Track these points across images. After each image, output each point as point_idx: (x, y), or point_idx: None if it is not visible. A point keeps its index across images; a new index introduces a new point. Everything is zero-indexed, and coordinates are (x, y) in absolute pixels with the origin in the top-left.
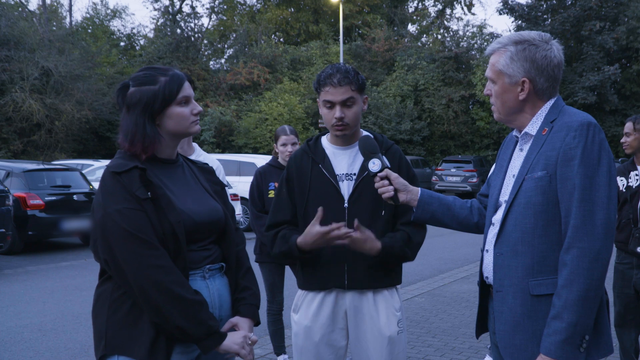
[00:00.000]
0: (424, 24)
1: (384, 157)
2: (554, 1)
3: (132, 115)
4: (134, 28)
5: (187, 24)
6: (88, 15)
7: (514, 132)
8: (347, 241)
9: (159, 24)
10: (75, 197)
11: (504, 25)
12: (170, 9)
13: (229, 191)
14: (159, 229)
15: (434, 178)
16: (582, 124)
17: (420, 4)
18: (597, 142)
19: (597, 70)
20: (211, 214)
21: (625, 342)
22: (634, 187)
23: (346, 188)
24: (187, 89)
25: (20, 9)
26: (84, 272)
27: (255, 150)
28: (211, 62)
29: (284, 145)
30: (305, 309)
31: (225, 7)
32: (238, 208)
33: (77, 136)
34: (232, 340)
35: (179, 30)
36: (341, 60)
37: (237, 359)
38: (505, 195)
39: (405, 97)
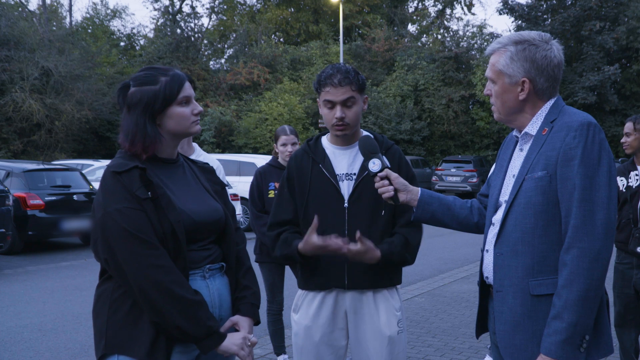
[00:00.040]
0: (424, 24)
1: (384, 157)
2: (554, 1)
3: (133, 115)
4: (134, 28)
5: (187, 24)
6: (88, 15)
7: (514, 132)
8: (347, 252)
9: (159, 24)
10: (75, 197)
11: (504, 25)
12: (170, 9)
13: (229, 191)
14: (159, 228)
15: (434, 178)
16: (582, 124)
17: (420, 4)
18: (597, 142)
19: (597, 70)
20: (211, 214)
21: (625, 342)
22: (634, 187)
23: (346, 188)
24: (187, 89)
25: (20, 9)
26: (84, 272)
27: (255, 150)
28: (211, 62)
29: (284, 145)
30: (305, 309)
31: (225, 7)
32: (238, 208)
33: (77, 136)
34: (232, 341)
35: (179, 30)
36: (341, 60)
37: None
38: (505, 195)
39: (405, 97)
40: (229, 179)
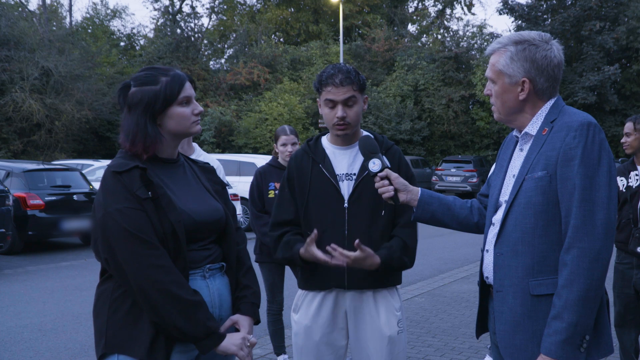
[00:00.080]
0: (424, 24)
1: (384, 157)
2: (554, 1)
3: (134, 115)
4: (134, 28)
5: (187, 24)
6: (88, 15)
7: (514, 132)
8: (347, 261)
9: (159, 24)
10: (75, 197)
11: (504, 25)
12: (170, 9)
13: (229, 191)
14: (160, 228)
15: (434, 178)
16: (582, 124)
17: (420, 4)
18: (597, 142)
19: (597, 70)
20: (212, 214)
21: (625, 342)
22: (634, 187)
23: (346, 188)
24: (188, 89)
25: (20, 9)
26: (84, 272)
27: (255, 150)
28: (211, 62)
29: (284, 145)
30: (305, 309)
31: (225, 7)
32: (238, 208)
33: (77, 136)
34: (231, 342)
35: (179, 30)
36: (341, 60)
37: None
38: (505, 195)
39: (405, 97)
40: (229, 179)
